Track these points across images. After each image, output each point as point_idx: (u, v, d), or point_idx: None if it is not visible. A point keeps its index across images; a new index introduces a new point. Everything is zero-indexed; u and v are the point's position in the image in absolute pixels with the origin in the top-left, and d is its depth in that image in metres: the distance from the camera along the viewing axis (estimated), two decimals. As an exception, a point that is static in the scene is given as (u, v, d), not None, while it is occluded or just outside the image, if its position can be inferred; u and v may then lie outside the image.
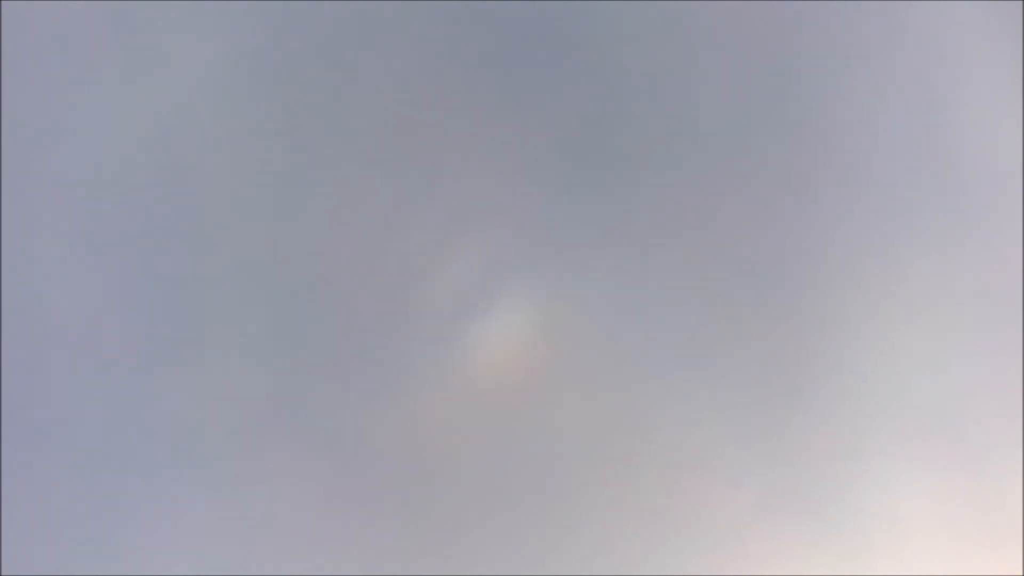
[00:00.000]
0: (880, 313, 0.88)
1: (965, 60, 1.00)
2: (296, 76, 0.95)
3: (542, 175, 0.96)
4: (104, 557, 0.89)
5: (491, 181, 0.96)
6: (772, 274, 0.92)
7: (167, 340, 0.91)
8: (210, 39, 0.95)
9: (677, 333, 0.92)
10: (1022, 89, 1.00)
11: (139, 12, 0.94)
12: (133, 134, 0.93)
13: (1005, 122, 0.93)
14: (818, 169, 0.97)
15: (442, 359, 0.93)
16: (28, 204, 0.91)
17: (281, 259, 0.93)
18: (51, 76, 0.93)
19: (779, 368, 0.88)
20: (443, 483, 0.92)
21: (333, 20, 0.96)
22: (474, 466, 0.93)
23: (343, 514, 0.91)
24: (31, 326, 0.90)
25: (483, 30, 0.97)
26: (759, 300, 0.90)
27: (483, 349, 0.94)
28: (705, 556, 0.88)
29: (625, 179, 0.96)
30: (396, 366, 0.93)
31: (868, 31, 1.01)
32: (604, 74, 0.97)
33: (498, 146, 0.96)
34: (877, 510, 0.85)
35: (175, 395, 0.91)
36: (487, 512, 0.92)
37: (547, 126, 0.96)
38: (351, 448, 0.92)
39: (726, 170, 0.96)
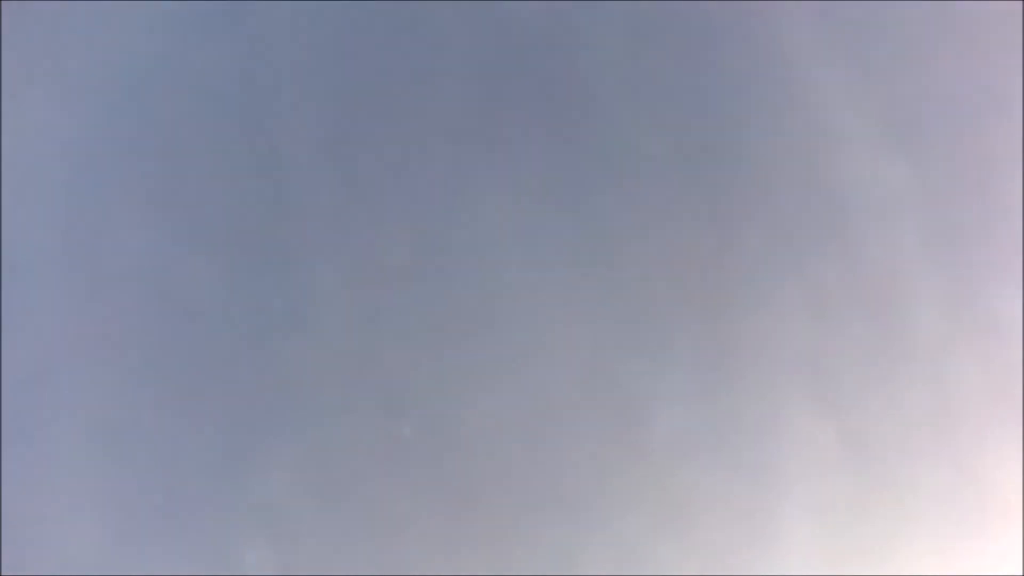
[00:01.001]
0: (789, 302, 0.98)
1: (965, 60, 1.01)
2: (302, 77, 0.95)
3: (530, 176, 0.96)
4: (104, 557, 0.88)
5: (489, 185, 0.96)
6: (713, 273, 0.97)
7: (175, 339, 0.91)
8: (213, 40, 0.95)
9: (640, 317, 0.95)
10: (1022, 89, 1.01)
11: (146, 11, 0.94)
12: (141, 138, 0.93)
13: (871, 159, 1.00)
14: (748, 190, 0.98)
15: (444, 360, 0.93)
16: (28, 198, 0.92)
17: (285, 261, 0.93)
18: (53, 79, 0.93)
19: (714, 343, 0.97)
20: (432, 480, 0.92)
21: (337, 20, 0.96)
22: (465, 465, 0.93)
23: (345, 515, 0.91)
24: (32, 326, 0.90)
25: (476, 33, 0.97)
26: (701, 292, 0.96)
27: (476, 346, 0.94)
28: (658, 483, 0.93)
29: (606, 188, 0.97)
30: (400, 363, 0.93)
31: (864, 24, 1.01)
32: (586, 83, 0.97)
33: (498, 151, 0.96)
34: (779, 436, 0.97)
35: (182, 394, 0.91)
36: (479, 512, 0.92)
37: (542, 135, 0.96)
38: (345, 445, 0.92)
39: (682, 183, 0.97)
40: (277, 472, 0.90)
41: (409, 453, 0.92)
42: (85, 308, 0.91)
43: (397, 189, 0.95)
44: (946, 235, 1.00)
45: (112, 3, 0.94)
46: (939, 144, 1.00)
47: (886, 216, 1.00)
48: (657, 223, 0.97)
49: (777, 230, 0.99)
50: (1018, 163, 1.01)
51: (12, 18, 0.92)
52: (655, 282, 0.96)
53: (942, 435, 0.98)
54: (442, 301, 0.93)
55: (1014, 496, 0.97)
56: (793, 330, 0.98)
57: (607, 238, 0.96)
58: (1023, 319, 0.99)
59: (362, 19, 0.96)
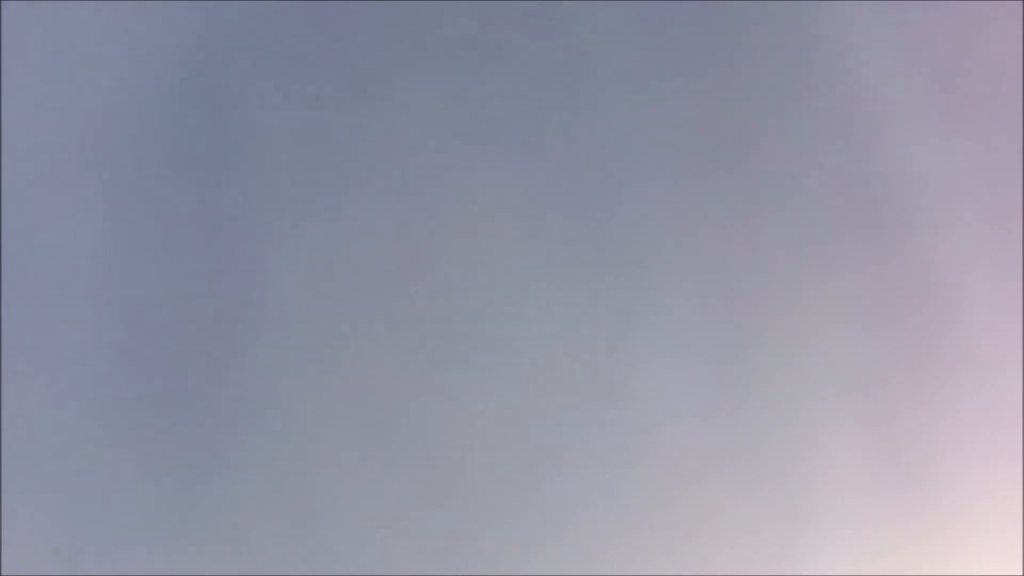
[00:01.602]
0: (819, 300, 0.93)
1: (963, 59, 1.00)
2: (299, 76, 0.95)
3: (538, 174, 0.96)
4: (104, 557, 0.89)
5: (487, 181, 0.96)
6: (734, 268, 0.94)
7: (174, 339, 0.92)
8: (213, 39, 0.95)
9: (659, 329, 0.93)
10: (1022, 87, 1.00)
11: (142, 11, 0.94)
12: (138, 134, 0.93)
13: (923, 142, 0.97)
14: (790, 173, 0.97)
15: (440, 358, 0.93)
16: (31, 200, 0.92)
17: (285, 260, 0.93)
18: (52, 77, 0.93)
19: (736, 345, 0.93)
20: (438, 484, 0.92)
21: (336, 20, 0.96)
22: (470, 465, 0.93)
23: (345, 513, 0.91)
24: (34, 326, 0.90)
25: (479, 32, 0.97)
26: (719, 289, 0.93)
27: (480, 346, 0.94)
28: (677, 502, 0.90)
29: (611, 179, 0.96)
30: (395, 361, 0.93)
31: (867, 29, 1.01)
32: (590, 80, 0.97)
33: (494, 146, 0.96)
34: (811, 452, 0.92)
35: (182, 398, 0.91)
36: (483, 512, 0.92)
37: (547, 129, 0.96)
38: (352, 442, 0.92)
39: (698, 174, 0.97)
40: (246, 483, 0.90)
41: (396, 471, 0.91)
42: (45, 313, 0.91)
43: (386, 187, 0.95)
44: (998, 228, 0.95)
45: (112, 3, 0.94)
46: (989, 130, 0.95)
47: (932, 208, 0.95)
48: (675, 220, 0.93)
49: (809, 224, 0.93)
50: None
51: (12, 18, 0.93)
52: (672, 282, 0.92)
53: (997, 454, 0.91)
54: (438, 303, 0.93)
55: None
56: (827, 334, 0.92)
57: (620, 236, 0.93)
58: None
59: (359, 13, 0.96)
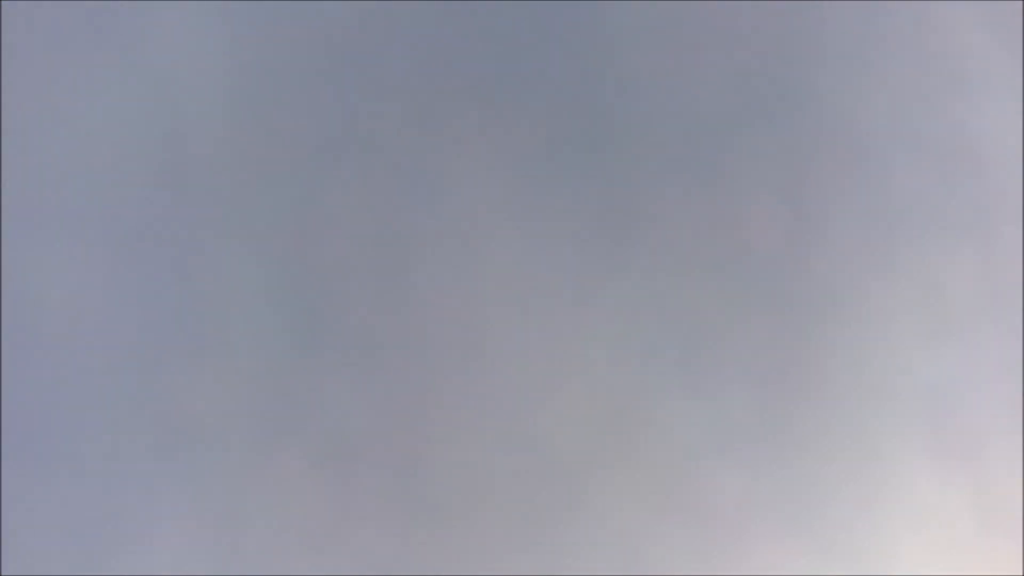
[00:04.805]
0: (882, 309, 0.90)
1: (967, 59, 1.01)
2: (298, 75, 0.95)
3: (546, 174, 0.96)
4: (104, 557, 0.89)
5: (493, 178, 0.96)
6: (775, 269, 0.93)
7: (167, 341, 0.92)
8: (212, 38, 0.95)
9: (681, 328, 0.93)
10: (1022, 89, 1.01)
11: (140, 12, 0.95)
12: (134, 133, 0.93)
13: (1005, 121, 0.95)
14: (821, 166, 0.97)
15: (445, 358, 0.93)
16: (27, 204, 0.92)
17: (283, 259, 0.93)
18: (50, 75, 0.93)
19: (783, 363, 0.90)
20: (442, 480, 0.93)
21: (334, 18, 0.96)
22: (473, 464, 0.93)
23: (343, 515, 0.91)
24: (30, 326, 0.90)
25: (487, 30, 0.97)
26: (762, 295, 0.92)
27: (486, 347, 0.94)
28: (707, 553, 0.88)
29: (630, 176, 0.96)
30: (398, 367, 0.93)
31: (866, 31, 1.01)
32: (609, 74, 0.97)
33: (501, 143, 0.96)
34: (880, 504, 0.85)
35: (176, 395, 0.91)
36: (486, 510, 0.93)
37: (552, 125, 0.96)
38: (351, 448, 0.92)
39: (728, 168, 0.97)
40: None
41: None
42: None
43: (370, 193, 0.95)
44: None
45: (114, 3, 0.94)
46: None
47: (992, 202, 0.86)
48: (734, 208, 0.87)
49: (889, 211, 0.85)
50: None
51: (12, 18, 0.93)
52: (710, 290, 0.86)
53: None
54: (450, 310, 0.93)
55: None
56: (901, 354, 0.82)
57: (678, 223, 0.88)
58: None
59: (365, 16, 0.97)
